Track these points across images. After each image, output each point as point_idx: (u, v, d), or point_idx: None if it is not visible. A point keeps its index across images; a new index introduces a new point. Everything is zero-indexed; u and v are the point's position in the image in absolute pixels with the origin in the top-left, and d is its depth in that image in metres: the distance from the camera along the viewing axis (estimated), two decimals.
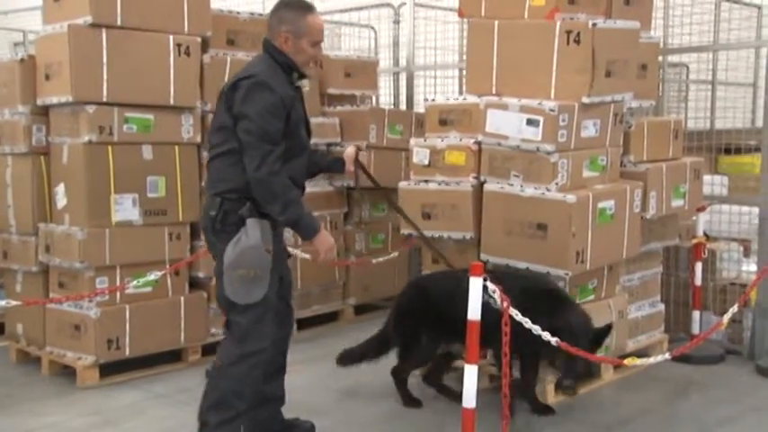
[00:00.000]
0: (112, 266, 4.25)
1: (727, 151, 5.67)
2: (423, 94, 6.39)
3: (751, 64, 6.75)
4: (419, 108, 5.98)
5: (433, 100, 4.46)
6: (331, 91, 5.67)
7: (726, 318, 3.86)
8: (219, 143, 3.05)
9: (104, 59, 4.14)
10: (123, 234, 4.26)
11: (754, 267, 4.81)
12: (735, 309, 3.94)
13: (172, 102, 4.40)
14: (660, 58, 5.24)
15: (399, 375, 3.91)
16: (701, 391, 4.15)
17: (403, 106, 6.46)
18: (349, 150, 3.50)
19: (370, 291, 5.69)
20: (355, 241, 5.65)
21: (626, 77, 4.08)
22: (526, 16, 4.06)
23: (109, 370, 4.25)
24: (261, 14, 5.08)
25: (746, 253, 5.21)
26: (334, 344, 5.02)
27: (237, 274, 2.94)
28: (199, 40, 4.51)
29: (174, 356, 4.50)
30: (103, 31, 4.14)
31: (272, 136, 2.92)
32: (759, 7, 6.48)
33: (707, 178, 4.99)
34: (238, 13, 4.90)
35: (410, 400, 3.91)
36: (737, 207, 5.10)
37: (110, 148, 4.21)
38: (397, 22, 6.63)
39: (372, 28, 6.98)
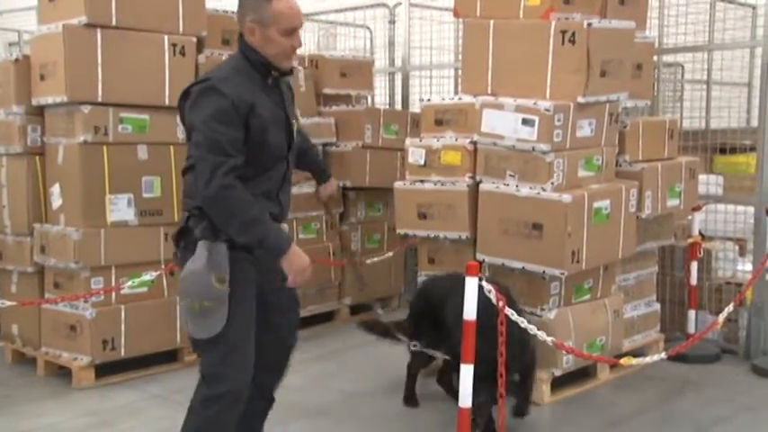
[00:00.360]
0: (108, 267, 4.23)
1: (723, 151, 5.69)
2: (418, 93, 6.39)
3: (746, 64, 6.76)
4: (415, 108, 5.98)
5: (429, 100, 4.46)
6: (326, 91, 5.67)
7: (721, 317, 3.87)
8: (188, 156, 2.71)
9: (99, 59, 4.13)
10: (118, 234, 4.25)
11: (749, 267, 4.82)
12: (730, 308, 3.96)
13: (167, 102, 4.38)
14: (655, 57, 5.25)
15: (410, 371, 3.92)
16: (697, 390, 4.16)
17: (398, 106, 6.46)
18: (332, 185, 3.28)
19: (365, 291, 5.66)
20: (351, 241, 5.65)
21: (621, 77, 4.08)
22: (521, 16, 4.06)
23: (104, 370, 4.24)
24: None
25: (742, 252, 5.22)
26: (331, 344, 5.02)
27: (184, 304, 2.63)
28: (194, 40, 4.50)
29: (169, 357, 4.49)
30: (98, 31, 4.13)
31: (222, 147, 2.51)
32: (754, 7, 6.49)
33: (702, 178, 5.00)
34: (233, 12, 4.88)
35: (409, 398, 3.91)
36: (733, 206, 5.10)
37: (105, 148, 4.20)
38: (392, 21, 6.64)
39: (368, 28, 6.97)
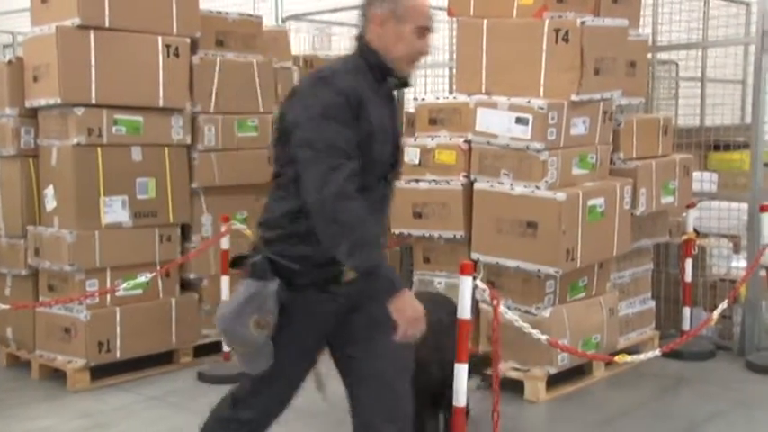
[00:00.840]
0: (102, 269, 4.22)
1: (717, 148, 5.70)
2: (413, 93, 6.38)
3: (740, 61, 6.77)
4: (409, 107, 5.97)
5: (423, 99, 4.47)
6: None
7: (715, 314, 3.89)
8: (278, 165, 2.32)
9: (93, 61, 4.12)
10: (113, 236, 4.25)
11: (743, 263, 4.83)
12: (724, 305, 3.98)
13: (161, 103, 4.38)
14: (650, 55, 5.26)
15: None
16: (691, 386, 4.17)
17: None
18: None
19: None
20: None
21: (615, 75, 4.09)
22: (515, 15, 4.07)
23: (99, 373, 4.23)
24: (250, 15, 5.07)
25: (736, 249, 5.23)
26: None
27: (225, 340, 2.34)
28: (188, 41, 4.50)
29: (165, 358, 4.48)
30: (91, 32, 4.12)
31: (339, 146, 2.11)
32: (748, 4, 6.49)
33: (696, 175, 5.02)
34: (227, 13, 4.89)
35: None
36: (727, 203, 5.12)
37: (99, 149, 4.19)
38: None
39: None
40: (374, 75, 2.29)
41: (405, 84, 2.38)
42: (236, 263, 2.36)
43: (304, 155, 2.13)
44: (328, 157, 2.10)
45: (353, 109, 2.17)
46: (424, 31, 2.31)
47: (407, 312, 2.09)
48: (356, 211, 2.08)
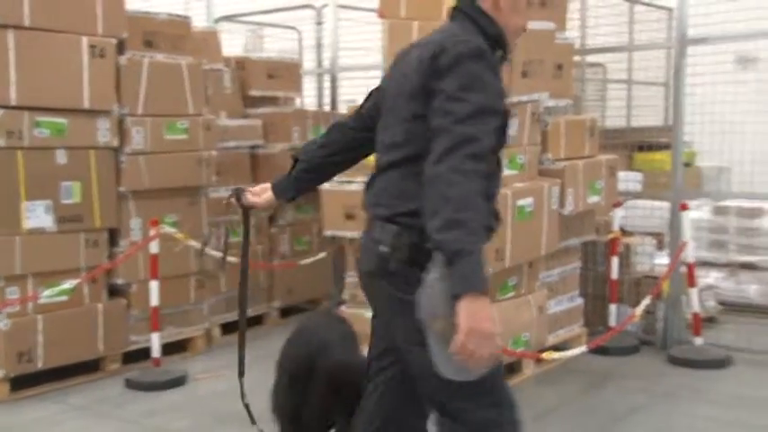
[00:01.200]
0: (23, 276, 4.08)
1: (642, 148, 5.89)
2: (347, 95, 6.39)
3: (663, 64, 7.01)
4: (343, 109, 5.98)
5: (357, 101, 4.46)
6: (253, 92, 5.63)
7: (638, 310, 4.00)
8: (399, 144, 2.08)
9: (12, 61, 3.98)
10: (35, 242, 4.11)
11: (666, 260, 4.99)
12: (647, 300, 4.10)
13: (86, 105, 4.27)
14: (578, 57, 5.39)
15: None
16: (616, 381, 4.27)
17: (327, 108, 6.45)
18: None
19: (294, 293, 5.66)
20: (280, 244, 5.61)
21: (542, 77, 4.18)
22: (444, 17, 4.10)
23: (21, 383, 4.08)
24: (179, 16, 4.98)
25: (660, 246, 5.40)
26: (263, 346, 4.94)
27: (436, 327, 1.89)
28: (114, 41, 4.39)
29: (92, 366, 4.36)
30: (10, 31, 3.98)
31: (478, 121, 1.93)
32: (670, 9, 6.73)
33: (622, 175, 5.15)
34: (156, 13, 4.79)
35: None
36: (651, 202, 5.28)
37: (19, 153, 4.05)
38: (319, 23, 6.62)
39: (295, 29, 6.94)
40: (491, 46, 2.05)
41: (506, 57, 2.14)
42: (403, 257, 2.03)
43: (439, 122, 1.93)
44: (464, 127, 1.89)
45: (503, 98, 2.01)
46: (527, 6, 2.16)
47: (474, 322, 1.77)
48: (467, 191, 1.84)
